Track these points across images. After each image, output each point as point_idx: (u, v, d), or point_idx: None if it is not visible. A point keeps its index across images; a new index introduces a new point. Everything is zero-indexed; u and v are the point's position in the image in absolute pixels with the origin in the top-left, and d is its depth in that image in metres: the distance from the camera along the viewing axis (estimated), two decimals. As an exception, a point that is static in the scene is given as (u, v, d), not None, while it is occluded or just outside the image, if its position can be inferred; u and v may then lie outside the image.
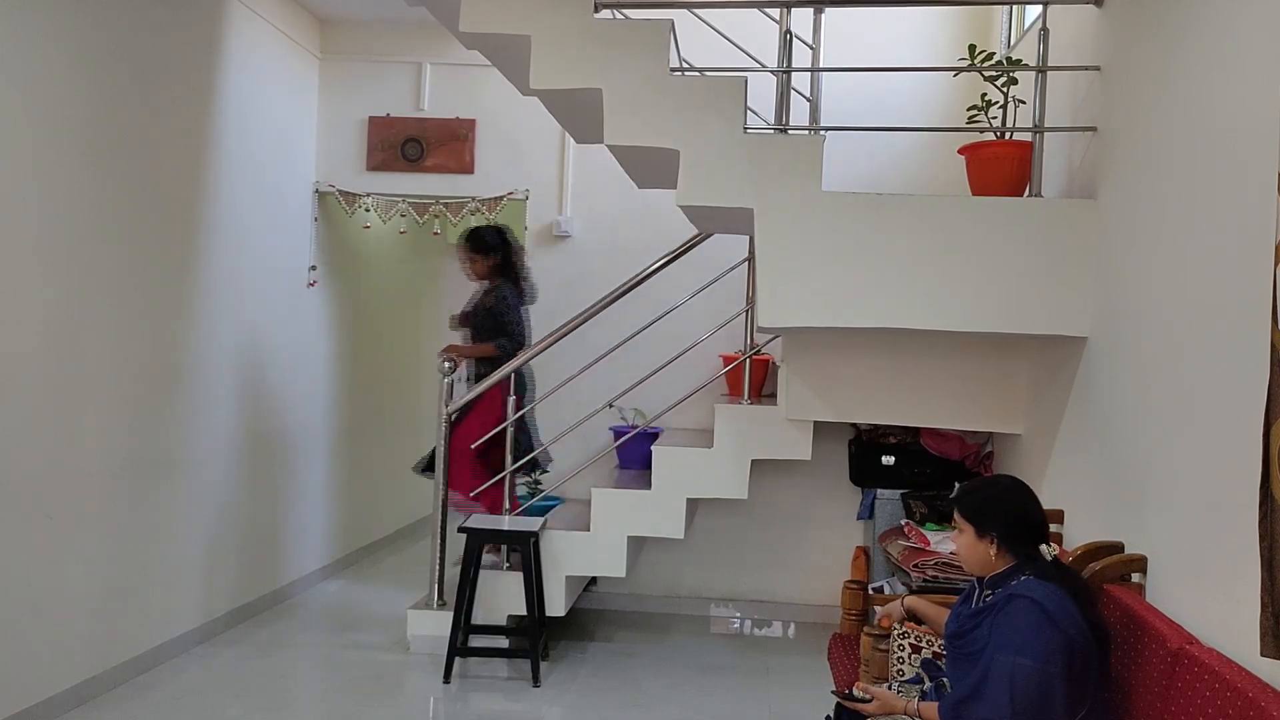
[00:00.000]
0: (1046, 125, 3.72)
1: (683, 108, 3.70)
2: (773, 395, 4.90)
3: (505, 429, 4.72)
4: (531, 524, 4.53)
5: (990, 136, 3.87)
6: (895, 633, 3.01)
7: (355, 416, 6.45)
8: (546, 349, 4.93)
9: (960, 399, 4.28)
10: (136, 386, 4.20)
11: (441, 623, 4.53)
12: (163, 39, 4.33)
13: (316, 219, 5.82)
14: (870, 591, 3.73)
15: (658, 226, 5.24)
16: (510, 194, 5.73)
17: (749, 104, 3.85)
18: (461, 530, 4.45)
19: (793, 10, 3.94)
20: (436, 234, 6.39)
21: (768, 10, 4.14)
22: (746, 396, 4.88)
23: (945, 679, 2.63)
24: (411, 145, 5.77)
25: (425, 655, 4.59)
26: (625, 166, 4.33)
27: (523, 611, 4.47)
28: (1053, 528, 3.22)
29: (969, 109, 3.95)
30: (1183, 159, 2.73)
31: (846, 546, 5.01)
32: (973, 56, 3.85)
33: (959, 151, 3.94)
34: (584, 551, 4.65)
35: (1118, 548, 2.87)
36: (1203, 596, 2.42)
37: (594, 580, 5.45)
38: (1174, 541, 2.63)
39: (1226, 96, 2.48)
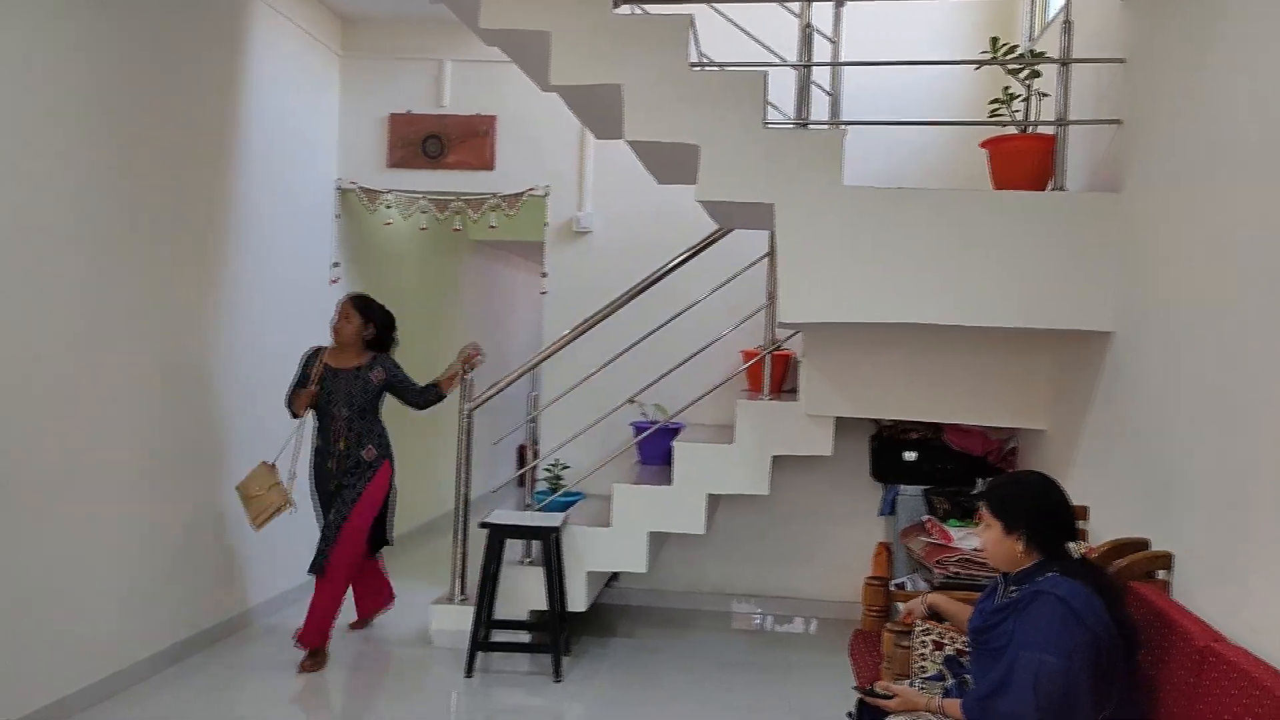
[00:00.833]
0: (1070, 118, 3.69)
1: (702, 103, 3.69)
2: (793, 391, 4.88)
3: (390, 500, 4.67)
4: (553, 519, 4.54)
5: (1012, 130, 3.84)
6: (918, 629, 2.99)
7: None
8: (567, 345, 4.94)
9: (982, 394, 4.25)
10: (160, 383, 4.23)
11: (463, 617, 4.55)
12: (186, 37, 4.36)
13: (338, 216, 5.85)
14: (892, 588, 3.71)
15: (678, 222, 5.23)
16: (530, 190, 5.74)
17: (769, 98, 3.84)
18: (483, 525, 4.46)
19: (813, 4, 3.92)
20: (457, 230, 6.41)
21: (788, 4, 4.13)
22: (767, 392, 4.87)
23: (968, 676, 2.61)
24: (432, 142, 5.79)
25: (447, 650, 4.62)
26: (645, 162, 4.33)
27: (544, 606, 4.48)
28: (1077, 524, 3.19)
29: (991, 102, 3.92)
30: (1210, 151, 2.70)
31: (868, 543, 4.99)
32: (995, 49, 3.82)
33: (981, 145, 3.91)
34: (605, 547, 4.65)
35: (1143, 544, 2.85)
36: (1230, 594, 2.40)
37: (615, 576, 5.46)
38: (1201, 538, 2.60)
39: (1253, 87, 2.45)
